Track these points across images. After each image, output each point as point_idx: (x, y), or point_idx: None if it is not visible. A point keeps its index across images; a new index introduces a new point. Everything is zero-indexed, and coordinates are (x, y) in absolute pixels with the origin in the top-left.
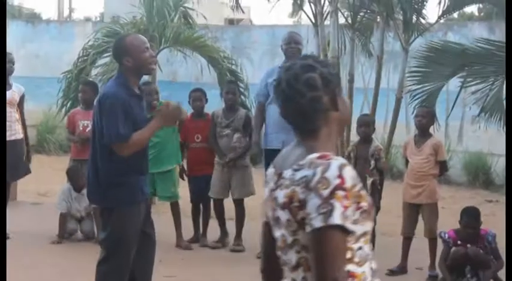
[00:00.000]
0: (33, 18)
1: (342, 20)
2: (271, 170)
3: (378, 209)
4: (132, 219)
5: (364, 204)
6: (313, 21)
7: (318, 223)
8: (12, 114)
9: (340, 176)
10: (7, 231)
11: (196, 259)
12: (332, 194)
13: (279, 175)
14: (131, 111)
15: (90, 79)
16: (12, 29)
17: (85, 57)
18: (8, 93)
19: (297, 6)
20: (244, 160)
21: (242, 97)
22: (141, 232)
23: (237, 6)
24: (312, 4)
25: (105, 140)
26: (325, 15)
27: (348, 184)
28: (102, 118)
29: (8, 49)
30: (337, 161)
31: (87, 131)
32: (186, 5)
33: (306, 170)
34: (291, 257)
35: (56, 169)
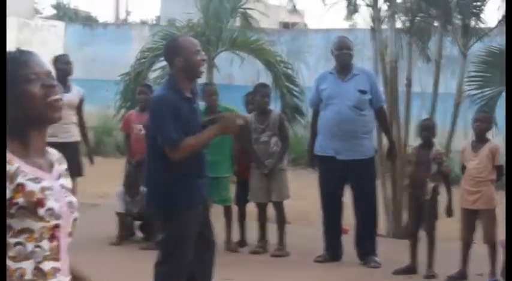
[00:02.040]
0: (89, 21)
1: (399, 24)
2: None
3: (449, 214)
4: (190, 221)
5: (21, 200)
6: (371, 25)
7: None
8: (71, 116)
9: None
10: None
11: (249, 262)
12: None
13: None
14: (182, 115)
15: (147, 82)
16: (70, 32)
17: (142, 60)
18: (67, 96)
19: (353, 9)
20: (282, 163)
21: (297, 101)
22: (200, 234)
23: (294, 9)
24: (369, 8)
25: (160, 144)
26: (382, 19)
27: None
28: (154, 122)
29: (66, 51)
30: None
31: (141, 133)
32: (244, 6)
33: None
34: None
35: (113, 171)
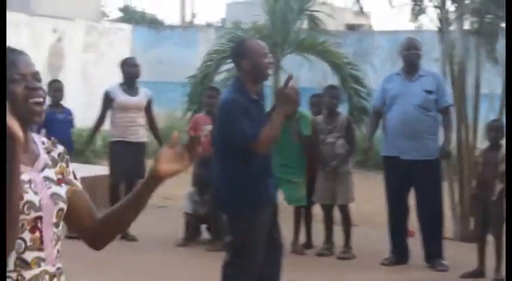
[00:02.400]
0: (155, 24)
1: (466, 26)
2: None
3: None
4: (258, 223)
5: None
6: (438, 26)
7: None
8: (138, 118)
9: None
10: (134, 233)
11: (315, 265)
12: None
13: None
14: (250, 116)
15: (214, 84)
16: (137, 34)
17: (209, 62)
18: (135, 99)
19: (420, 11)
20: (347, 166)
21: (364, 103)
22: (268, 235)
23: (361, 11)
24: (436, 9)
25: (238, 144)
26: (450, 20)
27: None
28: (225, 123)
29: (133, 54)
30: None
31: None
32: (312, 8)
33: None
34: None
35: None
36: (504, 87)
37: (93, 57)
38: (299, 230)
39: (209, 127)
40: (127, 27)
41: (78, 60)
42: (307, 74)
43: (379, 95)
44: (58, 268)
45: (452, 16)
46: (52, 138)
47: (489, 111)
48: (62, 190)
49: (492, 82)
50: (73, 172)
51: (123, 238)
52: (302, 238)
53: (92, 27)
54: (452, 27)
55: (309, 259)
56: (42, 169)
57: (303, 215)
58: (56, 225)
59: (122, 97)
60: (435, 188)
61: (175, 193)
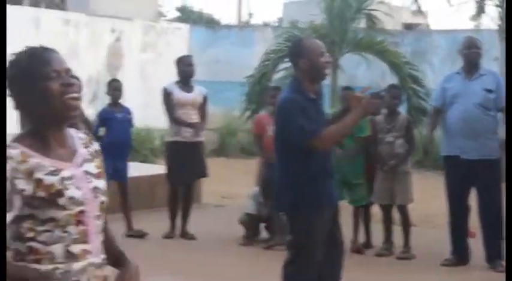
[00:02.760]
0: (212, 23)
1: None
2: None
3: None
4: (319, 222)
5: (41, 193)
6: (499, 24)
7: None
8: (193, 116)
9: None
10: (193, 232)
11: (374, 265)
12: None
13: None
14: (308, 115)
15: (272, 84)
16: (194, 34)
17: (266, 62)
18: (190, 96)
19: (480, 10)
20: (406, 166)
21: (423, 103)
22: (329, 235)
23: (420, 10)
24: (497, 8)
25: (298, 142)
26: None
27: (11, 171)
28: (284, 122)
29: (190, 54)
30: (12, 149)
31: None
32: (370, 7)
33: None
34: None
35: (237, 172)
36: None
37: (151, 57)
38: (358, 229)
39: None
40: (184, 27)
41: (136, 60)
42: (364, 74)
43: (439, 95)
44: (103, 259)
45: None
46: (89, 134)
47: None
48: (102, 183)
49: None
50: None
51: (182, 236)
52: (361, 238)
53: (150, 27)
54: None
55: (368, 259)
56: (82, 164)
57: (361, 214)
58: (99, 218)
59: (178, 94)
60: (495, 188)
61: (234, 192)
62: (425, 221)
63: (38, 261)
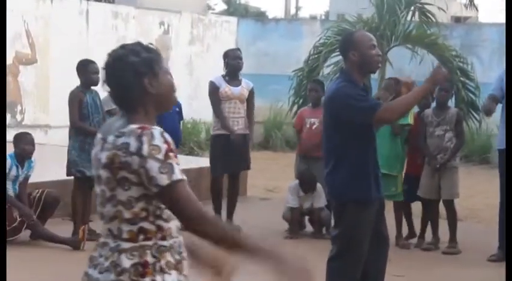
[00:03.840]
0: (260, 16)
1: None
2: (98, 135)
3: None
4: (366, 216)
5: None
6: None
7: (164, 181)
8: (240, 110)
9: (166, 141)
10: (238, 224)
11: (420, 259)
12: (166, 156)
13: (104, 140)
14: (365, 98)
15: (321, 78)
16: (242, 27)
17: (316, 56)
18: (237, 89)
19: None
20: (454, 161)
21: (472, 96)
22: (375, 230)
23: (471, 3)
24: None
25: (364, 120)
26: None
27: (172, 146)
28: (343, 107)
29: (238, 47)
30: (156, 129)
31: (313, 128)
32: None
33: (126, 137)
34: (109, 209)
35: (283, 165)
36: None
37: (199, 49)
38: (401, 224)
39: (312, 120)
40: (233, 20)
41: (184, 52)
42: (413, 67)
43: (498, 85)
44: None
45: None
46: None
47: None
48: None
49: None
50: None
51: None
52: (405, 233)
53: (198, 20)
54: None
55: (414, 254)
56: None
57: (400, 208)
58: None
59: (225, 87)
60: None
61: (279, 185)
62: (470, 216)
63: (163, 238)
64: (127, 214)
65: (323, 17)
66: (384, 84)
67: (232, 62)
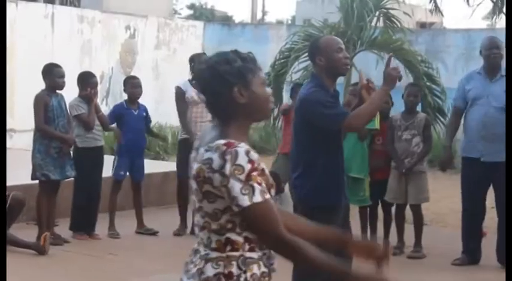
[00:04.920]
0: (226, 20)
1: None
2: (196, 143)
3: None
4: (333, 221)
5: (263, 183)
6: None
7: (245, 202)
8: (207, 114)
9: (250, 161)
10: None
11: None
12: (248, 177)
13: (197, 150)
14: (335, 104)
15: (288, 83)
16: (208, 31)
17: (282, 60)
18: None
19: (497, 9)
20: (422, 165)
21: (439, 101)
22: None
23: (437, 9)
24: None
25: (332, 126)
26: None
27: (256, 165)
28: (312, 114)
29: (204, 51)
30: (242, 148)
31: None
32: (386, 6)
33: (211, 153)
34: (199, 220)
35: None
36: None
37: (165, 54)
38: (366, 229)
39: None
40: (199, 25)
41: (150, 57)
42: (380, 72)
43: (461, 95)
44: None
45: None
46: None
47: None
48: None
49: None
50: None
51: (192, 233)
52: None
53: (165, 25)
54: None
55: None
56: None
57: (366, 213)
58: None
59: (191, 92)
60: None
61: None
62: (436, 221)
63: (252, 249)
64: (214, 225)
65: (289, 22)
66: (352, 90)
67: (199, 66)
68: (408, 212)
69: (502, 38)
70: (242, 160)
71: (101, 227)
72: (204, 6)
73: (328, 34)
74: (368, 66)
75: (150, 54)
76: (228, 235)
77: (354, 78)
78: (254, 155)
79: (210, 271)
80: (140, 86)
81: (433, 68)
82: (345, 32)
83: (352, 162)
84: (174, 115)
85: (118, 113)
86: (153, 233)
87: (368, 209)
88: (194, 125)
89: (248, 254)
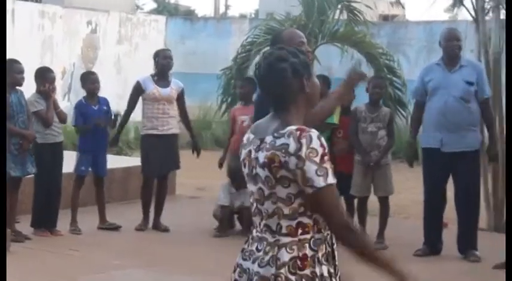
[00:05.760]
0: (189, 15)
1: (503, 15)
2: (251, 136)
3: None
4: None
5: None
6: (474, 16)
7: (320, 183)
8: (169, 110)
9: (322, 145)
10: (166, 224)
11: (348, 255)
12: (322, 160)
13: (261, 140)
14: None
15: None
16: (171, 26)
17: (244, 54)
18: (166, 90)
19: (457, 1)
20: (386, 158)
21: (399, 93)
22: None
23: (397, 1)
24: None
25: None
26: (486, 10)
27: (327, 150)
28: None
29: (166, 45)
30: (314, 133)
31: (244, 125)
32: None
33: (285, 138)
34: (268, 206)
35: (212, 164)
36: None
37: (127, 49)
38: None
39: (243, 117)
40: (161, 19)
41: (112, 52)
42: (341, 65)
43: (420, 88)
44: None
45: (488, 6)
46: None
47: None
48: None
49: None
50: None
51: (155, 228)
52: None
53: (127, 19)
54: (488, 17)
55: (341, 250)
56: None
57: None
58: None
59: (153, 89)
60: (474, 179)
61: (209, 183)
62: (398, 212)
63: (319, 230)
64: (286, 210)
65: (252, 16)
66: None
67: (162, 62)
68: (371, 204)
69: (462, 29)
70: (315, 143)
71: (64, 223)
72: (167, 1)
73: (289, 27)
74: (330, 59)
75: (112, 49)
76: (300, 218)
77: (317, 71)
78: (324, 141)
79: (285, 256)
80: (97, 82)
81: (394, 60)
82: (307, 25)
83: None
84: (138, 110)
85: (81, 110)
86: (115, 228)
87: None
88: (156, 121)
89: (317, 236)
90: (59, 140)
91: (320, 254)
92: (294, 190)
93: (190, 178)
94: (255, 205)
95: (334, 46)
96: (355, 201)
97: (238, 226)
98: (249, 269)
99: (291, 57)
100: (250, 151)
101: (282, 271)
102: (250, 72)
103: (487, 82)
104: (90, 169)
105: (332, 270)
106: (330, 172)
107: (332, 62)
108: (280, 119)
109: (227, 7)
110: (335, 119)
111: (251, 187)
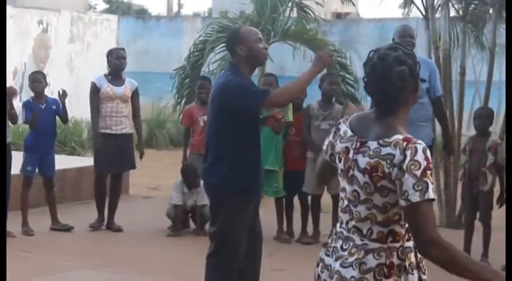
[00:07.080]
0: (142, 14)
1: (453, 12)
2: (348, 130)
3: (502, 204)
4: (244, 211)
5: None
6: (424, 14)
7: (415, 198)
8: (123, 109)
9: (426, 158)
10: (120, 224)
11: (301, 253)
12: (423, 173)
13: (362, 143)
14: (254, 87)
15: (206, 74)
16: (123, 25)
17: (197, 53)
18: (120, 89)
19: None
20: None
21: (352, 90)
22: (249, 226)
23: None
24: None
25: (255, 106)
26: (436, 7)
27: (431, 164)
28: (233, 97)
29: (118, 45)
30: (420, 145)
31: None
32: None
33: (391, 148)
34: (361, 210)
35: (166, 163)
36: (487, 75)
37: (79, 48)
38: (282, 219)
39: (205, 117)
40: (113, 18)
41: (64, 51)
42: (293, 63)
43: None
44: None
45: (438, 3)
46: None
47: (475, 98)
48: None
49: (477, 69)
50: None
51: (108, 228)
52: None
53: (78, 18)
54: (438, 14)
55: (294, 248)
56: None
57: (282, 204)
58: None
59: (106, 87)
60: None
61: (162, 183)
62: None
63: (409, 239)
64: (380, 217)
65: (206, 15)
66: (264, 81)
67: (115, 62)
68: (324, 202)
69: (413, 26)
70: (420, 156)
71: (16, 225)
72: (120, 0)
73: (245, 25)
74: (283, 57)
75: (63, 48)
76: (392, 226)
77: (270, 69)
78: (429, 154)
79: (372, 261)
80: (39, 81)
81: (346, 57)
82: (259, 23)
83: (267, 155)
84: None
85: (28, 107)
86: (68, 228)
87: (284, 200)
88: (109, 120)
89: (406, 244)
90: (7, 140)
91: (407, 263)
92: (391, 199)
93: (144, 177)
94: (346, 203)
95: (286, 44)
96: (309, 198)
97: (192, 225)
98: (330, 265)
99: (408, 59)
100: (347, 149)
101: (367, 276)
102: (206, 69)
103: (440, 81)
104: (37, 170)
105: (424, 277)
106: (430, 186)
107: (285, 60)
108: (386, 123)
109: (180, 6)
110: (289, 116)
111: (344, 184)
